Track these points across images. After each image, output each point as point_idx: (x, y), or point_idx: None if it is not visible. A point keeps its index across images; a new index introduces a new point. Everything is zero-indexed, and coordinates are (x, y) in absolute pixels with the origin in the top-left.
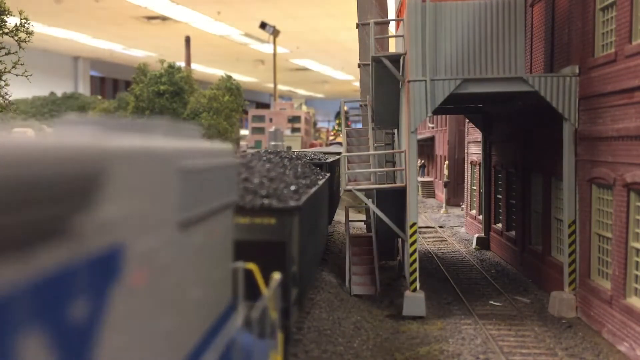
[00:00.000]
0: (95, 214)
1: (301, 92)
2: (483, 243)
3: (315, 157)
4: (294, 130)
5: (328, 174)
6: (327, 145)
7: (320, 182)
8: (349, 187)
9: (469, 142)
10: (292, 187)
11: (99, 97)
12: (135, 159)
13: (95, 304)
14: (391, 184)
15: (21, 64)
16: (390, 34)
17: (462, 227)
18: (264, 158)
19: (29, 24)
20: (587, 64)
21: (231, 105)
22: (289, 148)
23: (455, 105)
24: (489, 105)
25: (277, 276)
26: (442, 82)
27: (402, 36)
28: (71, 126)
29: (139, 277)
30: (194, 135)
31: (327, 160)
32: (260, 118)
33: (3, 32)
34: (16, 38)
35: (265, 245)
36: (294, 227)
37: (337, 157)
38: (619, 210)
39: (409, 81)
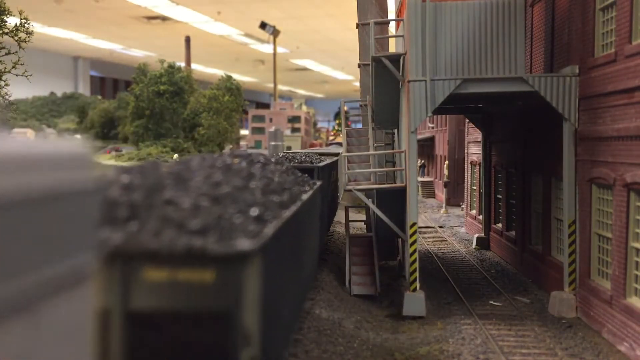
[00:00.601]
0: None
1: (301, 92)
2: (483, 243)
3: (307, 159)
4: (294, 130)
5: (319, 182)
6: (326, 145)
7: (306, 196)
8: (349, 187)
9: (469, 142)
10: (254, 212)
11: (99, 97)
12: None
13: None
14: (391, 184)
15: (21, 64)
16: (390, 34)
17: (462, 227)
18: (219, 163)
19: (29, 24)
20: (587, 64)
21: (231, 105)
22: (289, 148)
23: (455, 105)
24: (489, 105)
25: None
26: (442, 82)
27: (402, 36)
28: None
29: None
30: None
31: (320, 164)
32: (260, 118)
33: (3, 32)
34: (16, 38)
35: (197, 319)
36: (247, 285)
37: (335, 158)
38: (619, 210)
39: (409, 81)
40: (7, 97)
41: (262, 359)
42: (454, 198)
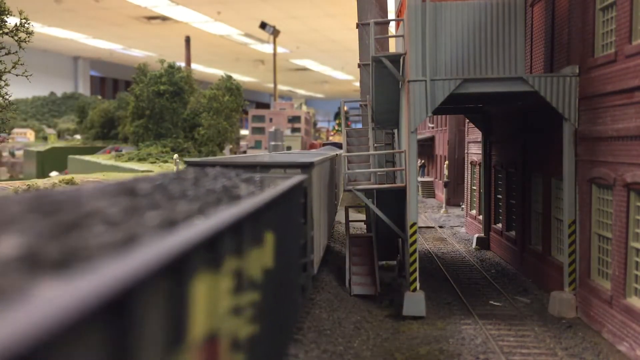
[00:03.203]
0: None
1: (301, 92)
2: (483, 243)
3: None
4: (294, 130)
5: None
6: (322, 145)
7: None
8: (349, 187)
9: (469, 142)
10: None
11: (99, 97)
12: None
13: None
14: (391, 184)
15: (21, 64)
16: (390, 34)
17: (462, 227)
18: None
19: (29, 24)
20: (587, 64)
21: (231, 105)
22: (289, 148)
23: (455, 105)
24: (489, 105)
25: None
26: (442, 82)
27: (402, 36)
28: None
29: None
30: None
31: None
32: (260, 118)
33: (3, 32)
34: (16, 38)
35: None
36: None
37: (300, 179)
38: (619, 210)
39: (409, 81)
40: (7, 97)
41: None
42: (454, 198)
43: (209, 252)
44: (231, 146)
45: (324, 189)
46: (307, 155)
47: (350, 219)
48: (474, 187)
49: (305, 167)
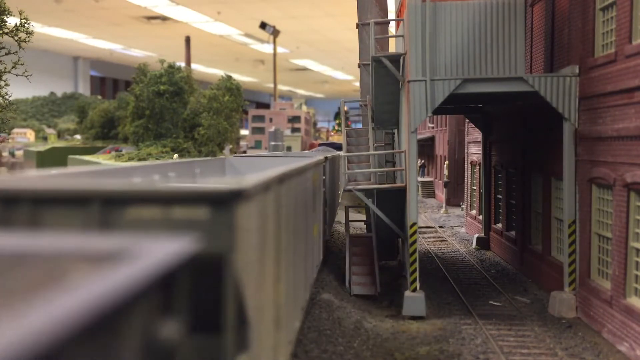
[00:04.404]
0: None
1: (301, 92)
2: (483, 243)
3: None
4: (294, 130)
5: None
6: (318, 145)
7: None
8: (349, 187)
9: (469, 142)
10: None
11: (99, 97)
12: None
13: None
14: (391, 184)
15: (21, 64)
16: (390, 33)
17: (462, 227)
18: None
19: (29, 24)
20: (587, 64)
21: (231, 105)
22: (289, 148)
23: (455, 105)
24: (489, 105)
25: None
26: (442, 82)
27: (402, 36)
28: None
29: None
30: None
31: None
32: (260, 118)
33: (3, 32)
34: (16, 38)
35: None
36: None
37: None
38: (619, 210)
39: (409, 81)
40: (7, 97)
41: None
42: (454, 198)
43: None
44: (231, 146)
45: (301, 216)
46: (284, 161)
47: (350, 219)
48: (474, 187)
49: (222, 201)
